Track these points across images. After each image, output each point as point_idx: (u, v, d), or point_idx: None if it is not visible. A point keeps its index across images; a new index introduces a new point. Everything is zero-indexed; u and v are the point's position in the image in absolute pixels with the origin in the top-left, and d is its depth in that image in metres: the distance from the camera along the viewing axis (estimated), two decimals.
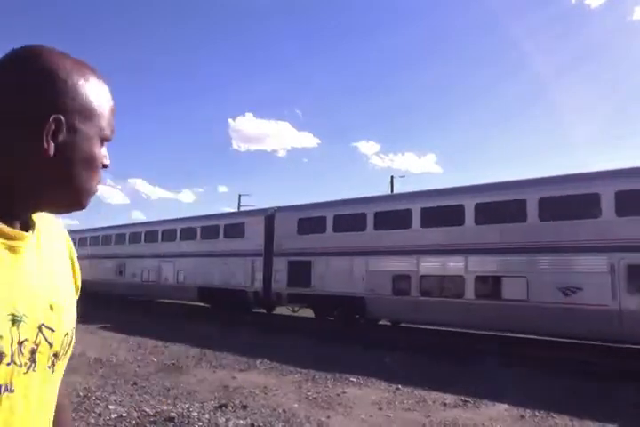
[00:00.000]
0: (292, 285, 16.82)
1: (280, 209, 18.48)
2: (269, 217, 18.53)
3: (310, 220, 17.05)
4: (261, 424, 5.54)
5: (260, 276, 18.16)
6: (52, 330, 0.83)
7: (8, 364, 0.74)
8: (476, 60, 76.58)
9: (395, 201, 15.54)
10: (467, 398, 6.88)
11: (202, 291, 20.62)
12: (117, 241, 27.27)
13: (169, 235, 23.49)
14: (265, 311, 19.50)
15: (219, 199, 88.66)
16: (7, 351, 0.74)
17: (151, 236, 24.74)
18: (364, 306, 14.68)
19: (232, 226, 20.21)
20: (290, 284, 16.90)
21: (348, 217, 15.94)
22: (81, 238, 29.57)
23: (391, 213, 14.90)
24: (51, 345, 0.83)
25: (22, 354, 0.77)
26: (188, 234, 22.38)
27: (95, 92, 0.83)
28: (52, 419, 0.89)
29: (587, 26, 68.32)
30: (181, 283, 21.90)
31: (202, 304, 21.41)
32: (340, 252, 15.68)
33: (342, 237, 15.80)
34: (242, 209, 36.51)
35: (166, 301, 24.45)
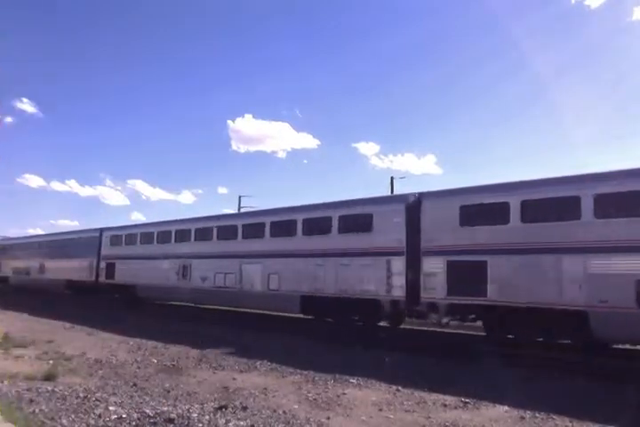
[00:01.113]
0: (456, 292, 12.70)
1: (428, 195, 14.35)
2: (413, 205, 14.34)
3: (481, 207, 12.89)
4: (261, 426, 5.54)
5: (400, 281, 14.01)
6: None
7: None
8: (475, 60, 76.67)
9: (630, 179, 10.78)
10: (467, 400, 6.88)
11: (307, 300, 16.15)
12: (180, 238, 22.22)
13: (254, 230, 18.69)
14: (389, 325, 15.39)
15: (219, 200, 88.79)
16: None
17: (227, 231, 19.83)
18: (584, 323, 10.50)
19: (352, 218, 15.65)
20: (451, 291, 12.78)
21: (548, 202, 11.80)
22: (128, 235, 25.64)
23: (628, 196, 10.68)
24: None
25: None
26: (285, 229, 17.48)
27: None
28: None
29: (587, 26, 68.38)
30: (275, 290, 17.17)
31: (304, 316, 16.88)
32: (538, 248, 11.62)
33: (540, 230, 11.66)
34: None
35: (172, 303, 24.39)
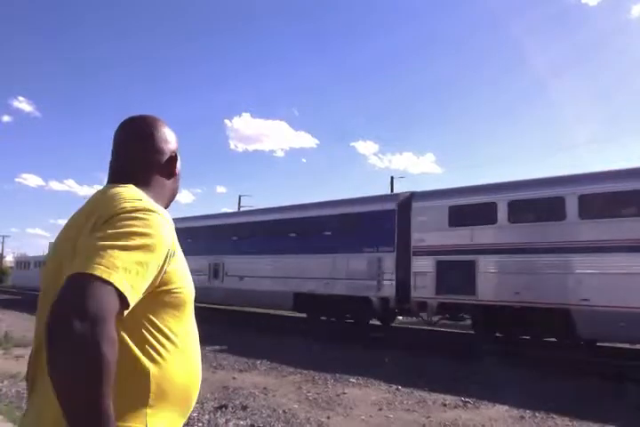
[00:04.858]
0: None
1: None
2: None
3: None
4: (261, 425, 5.55)
5: None
6: None
7: None
8: (475, 59, 76.79)
9: None
10: (467, 399, 6.88)
11: None
12: None
13: None
14: None
15: (217, 200, 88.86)
16: None
17: None
18: None
19: None
20: None
21: None
22: (527, 202, 11.35)
23: None
24: None
25: None
26: None
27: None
28: None
29: (585, 24, 68.43)
30: None
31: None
32: None
33: None
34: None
35: None
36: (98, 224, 1.08)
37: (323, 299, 14.70)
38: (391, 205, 13.83)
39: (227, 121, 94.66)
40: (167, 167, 1.37)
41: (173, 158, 1.38)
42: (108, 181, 1.32)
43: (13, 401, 6.06)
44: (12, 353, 9.50)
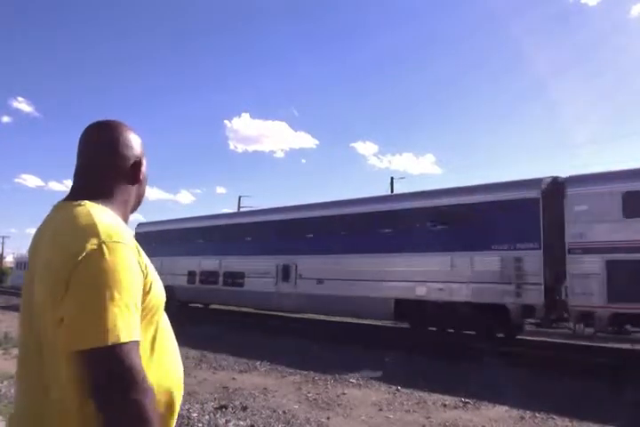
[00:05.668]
0: None
1: None
2: None
3: None
4: (261, 426, 5.55)
5: None
6: None
7: None
8: (475, 59, 76.89)
9: None
10: (467, 400, 6.88)
11: None
12: None
13: None
14: None
15: (218, 200, 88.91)
16: None
17: None
18: None
19: None
20: None
21: None
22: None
23: None
24: None
25: None
26: None
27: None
28: None
29: (585, 24, 68.57)
30: None
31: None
32: None
33: None
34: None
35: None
36: (67, 268, 1.08)
37: (434, 307, 12.13)
38: (533, 193, 11.08)
39: (226, 122, 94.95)
40: (132, 173, 1.36)
41: (137, 164, 1.37)
42: (73, 188, 1.33)
43: (13, 402, 6.06)
44: (11, 353, 9.48)
